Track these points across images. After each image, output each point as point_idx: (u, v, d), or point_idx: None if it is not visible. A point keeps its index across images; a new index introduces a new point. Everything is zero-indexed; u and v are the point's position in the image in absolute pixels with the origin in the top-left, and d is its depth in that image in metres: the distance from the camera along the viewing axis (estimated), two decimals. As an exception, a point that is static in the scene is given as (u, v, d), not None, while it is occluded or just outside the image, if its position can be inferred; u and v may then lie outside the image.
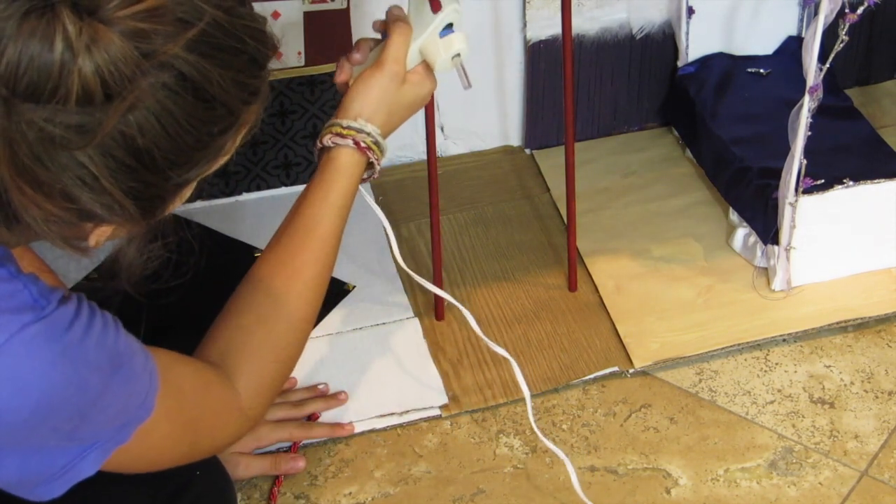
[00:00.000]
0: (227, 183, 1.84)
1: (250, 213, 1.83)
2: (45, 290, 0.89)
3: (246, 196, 1.86)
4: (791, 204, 1.59)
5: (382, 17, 1.28)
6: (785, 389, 1.54)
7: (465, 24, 1.29)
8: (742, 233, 1.72)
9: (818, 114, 1.53)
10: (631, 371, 1.57)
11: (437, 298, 1.63)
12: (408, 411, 1.51)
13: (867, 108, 1.97)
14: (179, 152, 0.87)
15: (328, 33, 1.75)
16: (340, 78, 1.26)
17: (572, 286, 1.69)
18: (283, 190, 1.87)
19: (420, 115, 1.56)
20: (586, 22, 1.87)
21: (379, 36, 1.28)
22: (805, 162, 1.56)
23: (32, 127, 0.81)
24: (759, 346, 1.60)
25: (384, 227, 1.37)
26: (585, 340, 1.62)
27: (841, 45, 1.48)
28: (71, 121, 0.81)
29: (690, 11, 1.84)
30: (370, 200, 1.33)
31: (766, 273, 1.69)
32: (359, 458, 1.46)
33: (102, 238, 0.90)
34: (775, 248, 1.64)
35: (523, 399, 1.53)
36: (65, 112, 0.80)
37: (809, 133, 1.53)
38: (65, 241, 0.89)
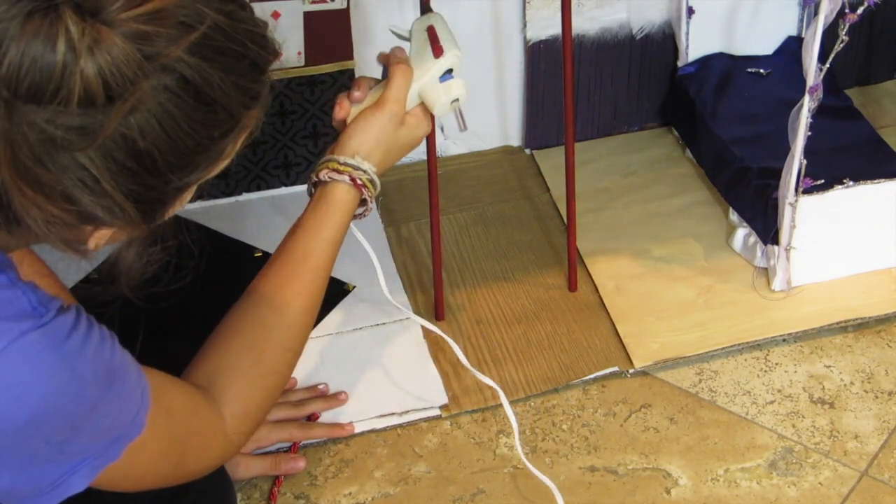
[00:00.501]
0: (228, 183, 1.84)
1: (250, 214, 1.83)
2: (45, 298, 0.89)
3: (246, 196, 1.86)
4: (791, 204, 1.59)
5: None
6: (785, 389, 1.55)
7: (464, 71, 1.31)
8: (742, 233, 1.72)
9: (818, 114, 1.53)
10: (631, 371, 1.57)
11: (437, 298, 1.64)
12: (408, 411, 1.52)
13: (867, 108, 1.97)
14: (180, 155, 0.87)
15: (328, 33, 1.75)
16: (339, 115, 1.27)
17: (572, 286, 1.70)
18: (283, 190, 1.87)
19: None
20: (586, 22, 1.87)
21: (378, 71, 1.30)
22: (805, 162, 1.56)
23: (34, 128, 0.81)
24: (759, 346, 1.60)
25: (372, 257, 1.38)
26: (585, 340, 1.62)
27: (841, 45, 1.48)
28: (72, 122, 0.81)
29: (690, 11, 1.84)
30: (359, 235, 1.34)
31: (766, 273, 1.69)
32: (359, 458, 1.46)
33: (102, 241, 0.90)
34: (775, 248, 1.64)
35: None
36: (66, 113, 0.80)
37: (809, 133, 1.53)
38: (65, 244, 0.89)
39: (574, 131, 1.62)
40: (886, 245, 1.68)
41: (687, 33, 1.87)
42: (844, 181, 1.62)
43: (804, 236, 1.62)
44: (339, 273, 1.60)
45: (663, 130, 2.00)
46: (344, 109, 1.27)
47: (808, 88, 1.50)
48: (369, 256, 1.73)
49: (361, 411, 1.51)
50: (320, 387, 1.53)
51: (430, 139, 1.54)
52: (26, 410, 0.86)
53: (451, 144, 1.95)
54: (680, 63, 1.90)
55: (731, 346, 1.59)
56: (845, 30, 1.48)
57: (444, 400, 1.53)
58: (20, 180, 0.82)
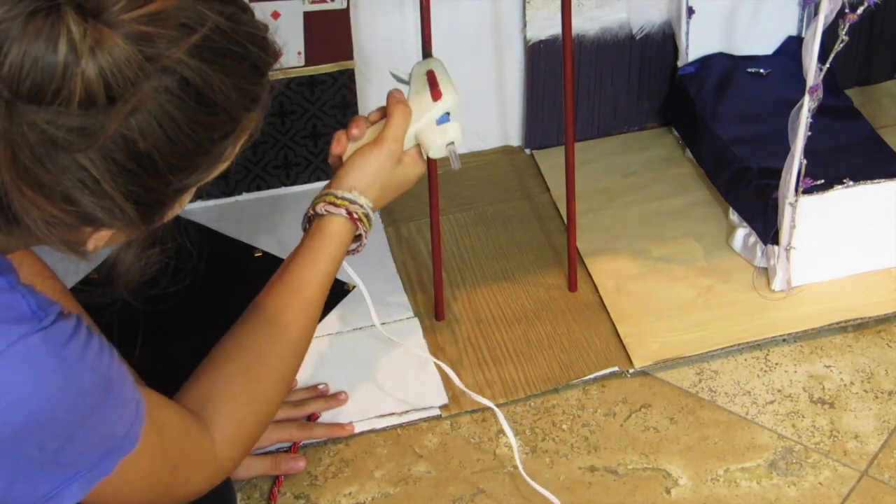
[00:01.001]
0: (228, 183, 1.84)
1: (250, 213, 1.83)
2: (45, 302, 0.89)
3: (246, 196, 1.86)
4: (791, 204, 1.59)
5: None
6: (785, 389, 1.55)
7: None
8: (742, 233, 1.73)
9: (818, 114, 1.53)
10: (631, 371, 1.57)
11: (437, 298, 1.64)
12: (408, 411, 1.52)
13: (867, 108, 1.97)
14: (180, 157, 0.87)
15: (328, 33, 1.75)
16: (336, 150, 1.30)
17: (572, 286, 1.70)
18: (283, 190, 1.87)
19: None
20: (586, 22, 1.87)
21: (373, 114, 1.33)
22: (805, 162, 1.56)
23: (34, 129, 0.81)
24: (759, 346, 1.60)
25: (361, 289, 1.40)
26: (585, 340, 1.62)
27: (841, 45, 1.48)
28: (73, 123, 0.81)
29: (690, 11, 1.84)
30: (349, 270, 1.36)
31: (766, 273, 1.69)
32: (359, 458, 1.46)
33: (101, 242, 0.90)
34: (775, 248, 1.64)
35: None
36: (67, 114, 0.81)
37: (809, 133, 1.53)
38: (65, 245, 0.88)
39: (574, 131, 1.62)
40: (886, 245, 1.69)
41: (687, 33, 1.87)
42: (844, 181, 1.62)
43: (804, 236, 1.62)
44: (339, 273, 1.59)
45: (663, 130, 2.00)
46: (341, 145, 1.30)
47: (808, 88, 1.50)
48: (369, 257, 1.74)
49: (361, 411, 1.51)
50: (320, 387, 1.53)
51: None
52: (23, 414, 0.86)
53: (451, 144, 1.95)
54: (680, 63, 1.90)
55: (731, 346, 1.60)
56: (845, 30, 1.48)
57: (444, 400, 1.53)
58: (20, 181, 0.82)
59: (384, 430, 1.50)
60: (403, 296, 1.68)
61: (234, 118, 0.90)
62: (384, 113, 1.31)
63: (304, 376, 1.55)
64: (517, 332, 1.63)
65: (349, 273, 1.36)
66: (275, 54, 0.93)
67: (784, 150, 1.57)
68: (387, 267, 1.73)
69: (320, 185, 1.87)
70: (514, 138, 1.99)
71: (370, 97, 1.85)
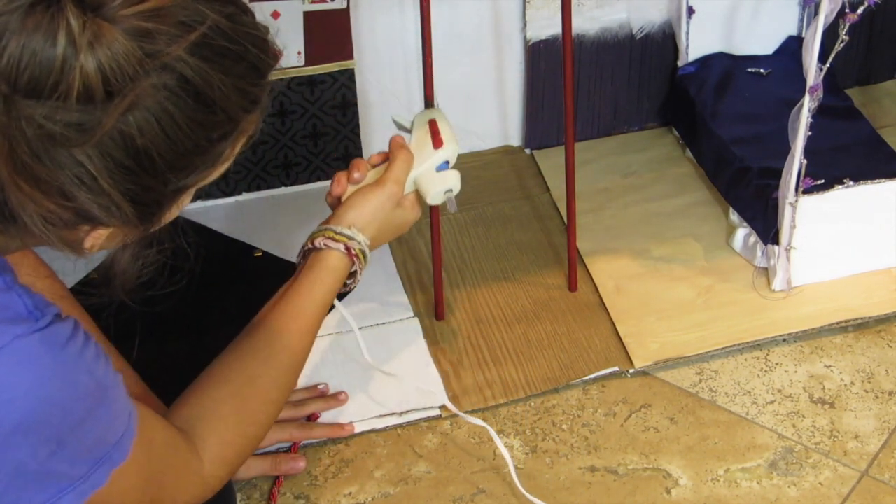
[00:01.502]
0: (227, 183, 1.84)
1: (250, 213, 1.83)
2: (41, 302, 0.88)
3: (246, 196, 1.86)
4: (791, 204, 1.59)
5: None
6: (785, 389, 1.54)
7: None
8: (742, 233, 1.72)
9: (818, 114, 1.53)
10: (631, 371, 1.57)
11: (437, 298, 1.64)
12: (408, 411, 1.51)
13: (867, 108, 1.97)
14: (178, 156, 0.87)
15: (328, 33, 1.75)
16: (336, 191, 1.32)
17: (572, 286, 1.69)
18: (283, 190, 1.87)
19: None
20: (586, 22, 1.87)
21: (374, 157, 1.36)
22: (805, 162, 1.55)
23: (32, 123, 0.80)
24: (759, 346, 1.60)
25: (353, 327, 1.42)
26: (585, 340, 1.62)
27: (841, 45, 1.48)
28: (71, 118, 0.81)
29: (690, 11, 1.84)
30: (340, 306, 1.37)
31: (766, 273, 1.69)
32: (359, 458, 1.46)
33: (99, 242, 0.90)
34: (775, 248, 1.64)
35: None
36: (65, 109, 0.80)
37: (809, 133, 1.53)
38: (62, 243, 0.88)
39: (574, 131, 1.62)
40: (886, 245, 1.68)
41: (687, 33, 1.87)
42: (844, 181, 1.61)
43: (804, 236, 1.62)
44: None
45: (663, 130, 2.00)
46: (341, 186, 1.32)
47: (808, 88, 1.50)
48: (369, 257, 1.73)
49: (361, 411, 1.51)
50: (320, 387, 1.53)
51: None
52: (18, 414, 0.85)
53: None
54: (680, 63, 1.90)
55: (731, 346, 1.59)
56: (845, 30, 1.48)
57: (445, 400, 1.53)
58: (17, 175, 0.82)
59: (384, 430, 1.50)
60: (403, 296, 1.68)
61: (233, 119, 0.90)
62: (385, 157, 1.35)
63: (304, 376, 1.54)
64: (517, 332, 1.63)
65: (338, 307, 1.36)
66: (275, 56, 0.93)
67: (784, 150, 1.57)
68: (387, 267, 1.73)
69: (320, 185, 1.87)
70: (514, 138, 1.99)
71: (370, 97, 1.85)
